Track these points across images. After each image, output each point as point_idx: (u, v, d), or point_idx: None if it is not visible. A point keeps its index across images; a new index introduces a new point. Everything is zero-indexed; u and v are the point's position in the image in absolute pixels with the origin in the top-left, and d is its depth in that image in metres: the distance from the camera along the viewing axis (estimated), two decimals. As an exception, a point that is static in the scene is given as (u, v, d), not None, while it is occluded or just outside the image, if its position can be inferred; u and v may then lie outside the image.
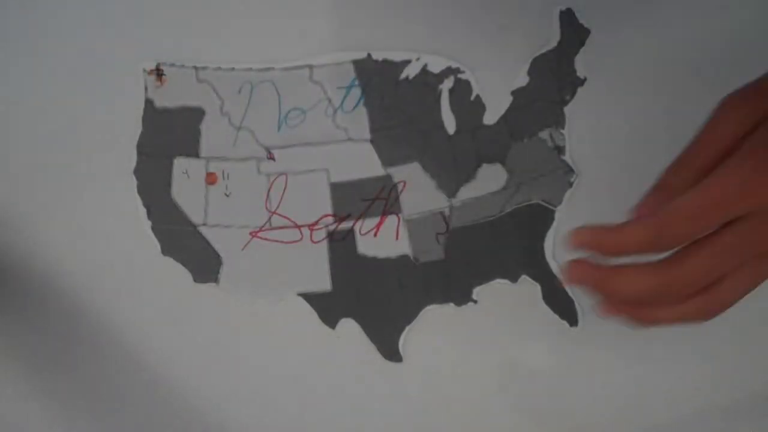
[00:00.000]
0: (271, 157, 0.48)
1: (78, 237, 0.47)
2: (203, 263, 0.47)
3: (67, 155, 0.47)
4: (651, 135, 0.49)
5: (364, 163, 0.48)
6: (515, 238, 0.47)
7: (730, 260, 0.35)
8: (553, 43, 0.49)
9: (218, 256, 0.47)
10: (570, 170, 0.48)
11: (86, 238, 0.47)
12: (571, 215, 0.48)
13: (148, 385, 0.46)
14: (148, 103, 0.48)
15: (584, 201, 0.48)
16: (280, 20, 0.48)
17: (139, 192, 0.47)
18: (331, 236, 0.47)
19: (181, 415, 0.46)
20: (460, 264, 0.47)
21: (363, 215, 0.47)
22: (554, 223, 0.47)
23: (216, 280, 0.46)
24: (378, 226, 0.47)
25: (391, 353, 0.46)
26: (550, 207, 0.48)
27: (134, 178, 0.47)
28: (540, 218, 0.48)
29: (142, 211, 0.47)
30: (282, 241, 0.47)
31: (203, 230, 0.47)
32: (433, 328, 0.46)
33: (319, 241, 0.47)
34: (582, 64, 0.49)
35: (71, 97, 0.48)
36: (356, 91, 0.48)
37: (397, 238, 0.47)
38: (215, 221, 0.47)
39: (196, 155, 0.47)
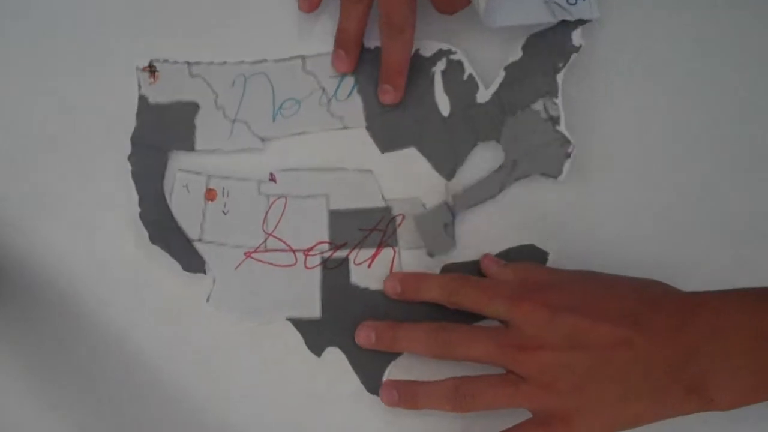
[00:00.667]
0: (272, 179, 0.48)
1: (72, 234, 0.47)
2: (192, 254, 0.46)
3: (61, 151, 0.47)
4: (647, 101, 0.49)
5: (365, 192, 0.48)
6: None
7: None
8: (554, 22, 0.49)
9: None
10: (566, 141, 0.48)
11: (81, 234, 0.47)
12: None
13: (147, 384, 0.45)
14: (142, 99, 0.48)
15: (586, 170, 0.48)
16: (270, 12, 0.49)
17: (134, 178, 0.47)
18: (325, 263, 0.47)
19: (181, 414, 0.45)
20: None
21: (359, 245, 0.47)
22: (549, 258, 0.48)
23: (204, 271, 0.46)
24: (373, 257, 0.47)
25: (374, 387, 0.46)
26: (551, 177, 0.48)
27: (129, 164, 0.47)
28: (533, 256, 0.48)
29: (135, 197, 0.47)
30: (276, 264, 0.47)
31: (198, 246, 0.47)
32: (417, 364, 0.46)
33: (312, 267, 0.47)
34: (579, 33, 0.49)
35: (66, 96, 0.48)
36: (349, 80, 0.48)
37: (390, 272, 0.47)
38: (211, 238, 0.47)
39: (192, 149, 0.47)
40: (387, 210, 0.47)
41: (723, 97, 0.50)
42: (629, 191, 0.49)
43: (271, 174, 0.48)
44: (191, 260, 0.46)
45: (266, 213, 0.47)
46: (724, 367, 0.40)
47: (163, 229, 0.47)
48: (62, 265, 0.46)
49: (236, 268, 0.47)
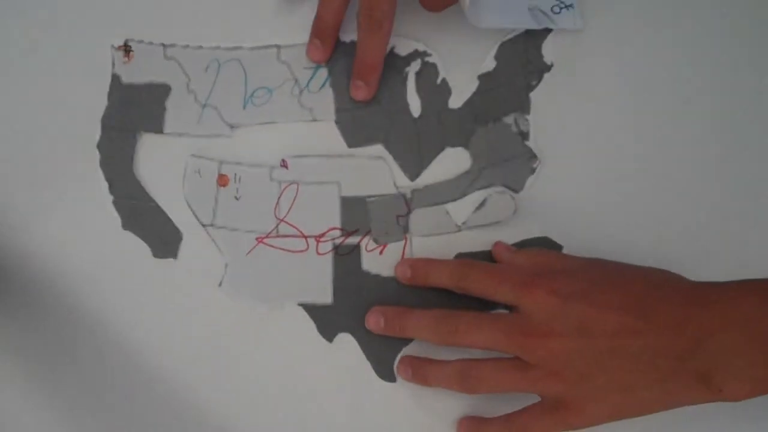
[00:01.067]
0: (284, 165, 0.48)
1: (68, 229, 0.47)
2: (163, 238, 0.46)
3: (31, 130, 0.47)
4: (617, 124, 0.49)
5: (377, 179, 0.48)
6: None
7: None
8: (522, 29, 0.49)
9: (178, 231, 0.47)
10: (533, 156, 0.48)
11: (79, 228, 0.47)
12: (533, 202, 0.48)
13: (147, 384, 0.45)
14: (115, 78, 0.48)
15: (546, 187, 0.48)
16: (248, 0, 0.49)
17: (102, 166, 0.47)
18: (337, 250, 0.47)
19: (180, 413, 0.45)
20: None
21: (370, 232, 0.47)
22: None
23: (175, 255, 0.46)
24: (384, 244, 0.47)
25: (386, 373, 0.46)
26: (512, 192, 0.48)
27: (97, 152, 0.47)
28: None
29: (104, 185, 0.47)
30: (288, 250, 0.47)
31: (210, 230, 0.47)
32: (429, 351, 0.46)
33: (324, 254, 0.47)
34: (550, 49, 0.49)
35: (39, 73, 0.48)
36: (323, 72, 0.49)
37: (402, 258, 0.47)
38: (223, 223, 0.47)
39: (161, 131, 0.47)
40: (399, 197, 0.48)
41: (710, 106, 0.50)
42: (628, 190, 0.49)
43: (283, 160, 0.48)
44: (163, 246, 0.46)
45: (278, 199, 0.47)
46: (733, 357, 0.40)
47: (136, 214, 0.47)
48: (59, 263, 0.46)
49: (248, 254, 0.47)
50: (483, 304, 0.45)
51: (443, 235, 0.48)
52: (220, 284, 0.46)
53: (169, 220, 0.47)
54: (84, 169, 0.47)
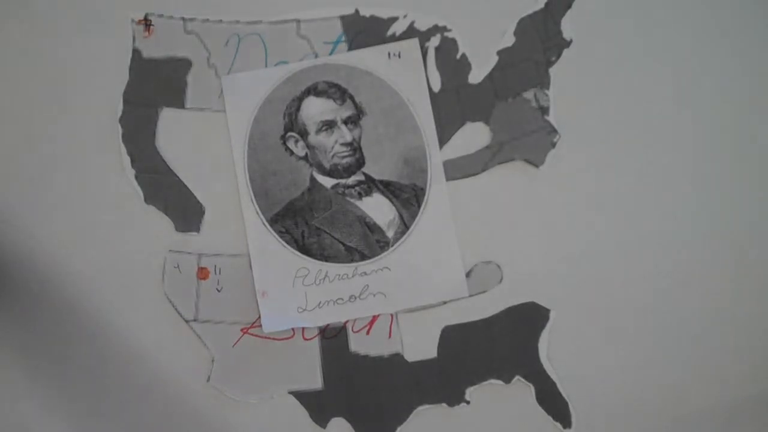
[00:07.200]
0: (263, 252, 0.47)
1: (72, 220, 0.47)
2: (185, 212, 0.47)
3: (54, 105, 0.48)
4: (637, 98, 0.48)
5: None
6: (509, 338, 0.47)
7: None
8: (540, 4, 0.48)
9: (200, 205, 0.47)
10: (553, 130, 0.48)
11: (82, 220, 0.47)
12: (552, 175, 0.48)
13: (146, 386, 0.46)
14: (136, 53, 0.48)
15: (567, 163, 0.48)
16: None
17: (124, 140, 0.47)
18: (323, 333, 0.47)
19: (180, 414, 0.46)
20: (453, 364, 0.47)
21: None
22: (549, 323, 0.47)
23: (198, 229, 0.47)
24: (371, 323, 0.47)
25: (382, 453, 0.46)
26: (533, 166, 0.48)
27: (119, 126, 0.47)
28: (534, 318, 0.47)
29: (126, 159, 0.47)
30: (274, 338, 0.47)
31: (194, 326, 0.46)
32: (425, 429, 0.45)
33: (311, 338, 0.47)
34: (569, 25, 0.48)
35: (61, 48, 0.48)
36: (343, 47, 0.48)
37: (389, 336, 0.47)
38: (206, 317, 0.46)
39: (182, 106, 0.47)
40: None
41: (724, 96, 0.49)
42: (628, 190, 0.48)
43: (262, 247, 0.47)
44: (185, 219, 0.47)
45: (260, 287, 0.47)
46: None
47: (159, 187, 0.47)
48: (61, 260, 0.47)
49: (234, 346, 0.46)
50: (471, 379, 0.44)
51: (429, 309, 0.47)
52: (208, 379, 0.46)
53: (191, 194, 0.47)
54: (106, 143, 0.47)
